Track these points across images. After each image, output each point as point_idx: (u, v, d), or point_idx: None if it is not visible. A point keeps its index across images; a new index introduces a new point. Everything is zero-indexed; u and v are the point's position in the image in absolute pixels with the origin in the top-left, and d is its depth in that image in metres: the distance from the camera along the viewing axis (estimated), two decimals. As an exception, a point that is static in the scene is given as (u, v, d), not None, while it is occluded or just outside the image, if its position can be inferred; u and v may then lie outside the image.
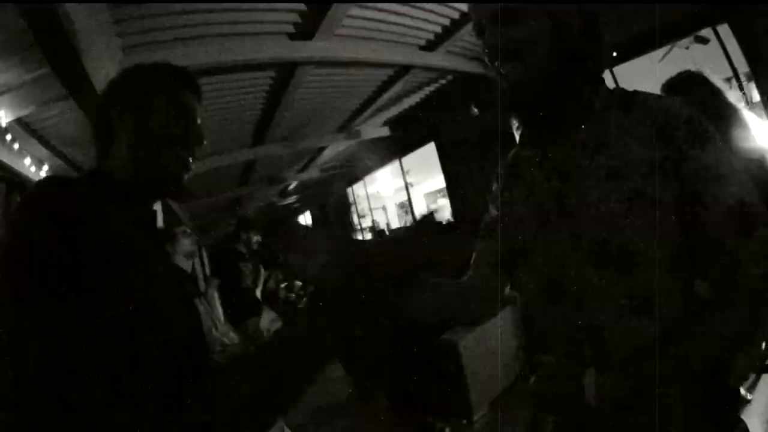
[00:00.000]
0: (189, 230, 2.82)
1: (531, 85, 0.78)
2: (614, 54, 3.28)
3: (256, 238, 3.80)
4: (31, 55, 2.22)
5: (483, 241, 1.01)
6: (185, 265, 2.76)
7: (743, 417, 0.81)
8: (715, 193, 0.70)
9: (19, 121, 2.69)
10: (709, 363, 0.74)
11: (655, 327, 0.75)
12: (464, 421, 3.08)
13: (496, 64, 0.80)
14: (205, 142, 0.91)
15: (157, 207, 0.94)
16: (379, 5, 2.88)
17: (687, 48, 4.62)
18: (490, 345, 3.40)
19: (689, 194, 0.71)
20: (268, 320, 3.83)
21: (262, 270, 3.88)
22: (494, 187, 1.02)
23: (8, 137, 2.67)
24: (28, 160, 2.91)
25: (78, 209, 0.66)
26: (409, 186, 7.47)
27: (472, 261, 1.03)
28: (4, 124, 2.47)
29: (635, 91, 0.82)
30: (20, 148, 2.82)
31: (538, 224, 0.86)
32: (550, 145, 0.85)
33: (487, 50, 0.81)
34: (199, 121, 0.90)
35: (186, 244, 2.77)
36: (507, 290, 1.03)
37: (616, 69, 3.44)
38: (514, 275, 0.94)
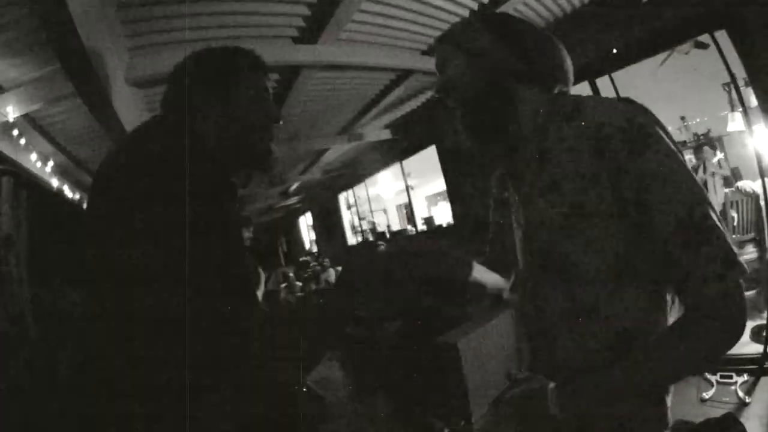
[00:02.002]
0: None
1: (468, 113, 0.88)
2: (614, 51, 3.31)
3: (247, 234, 3.69)
4: (41, 53, 2.27)
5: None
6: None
7: (742, 420, 0.84)
8: (660, 202, 0.67)
9: (26, 117, 2.72)
10: (652, 384, 0.76)
11: (600, 339, 0.76)
12: (463, 423, 3.10)
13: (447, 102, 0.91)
14: (282, 122, 0.94)
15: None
16: (382, 10, 2.91)
17: (687, 53, 4.64)
18: (489, 346, 3.43)
19: (634, 204, 0.69)
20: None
21: (262, 272, 3.84)
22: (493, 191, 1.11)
23: (15, 132, 2.71)
24: (34, 156, 2.95)
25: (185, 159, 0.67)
26: (410, 188, 7.49)
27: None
28: (11, 120, 2.51)
29: (580, 99, 0.82)
30: (27, 144, 2.86)
31: (513, 236, 0.95)
32: (508, 161, 0.91)
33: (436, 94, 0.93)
34: (271, 101, 0.93)
35: None
36: (506, 294, 1.07)
37: (615, 75, 3.46)
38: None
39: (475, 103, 0.86)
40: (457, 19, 3.28)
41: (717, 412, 1.56)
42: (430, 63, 3.73)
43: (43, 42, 2.03)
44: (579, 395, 0.73)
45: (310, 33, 2.98)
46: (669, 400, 0.84)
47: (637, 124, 0.71)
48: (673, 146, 0.71)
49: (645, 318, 0.75)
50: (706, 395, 2.60)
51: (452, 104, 0.90)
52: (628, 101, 0.78)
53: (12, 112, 2.49)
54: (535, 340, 0.91)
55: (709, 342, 0.67)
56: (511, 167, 0.90)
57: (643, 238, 0.70)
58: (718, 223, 0.66)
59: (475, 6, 3.08)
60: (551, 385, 0.75)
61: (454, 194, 5.67)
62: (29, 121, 2.88)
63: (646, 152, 0.68)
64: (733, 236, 3.79)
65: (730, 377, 2.71)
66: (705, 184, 5.01)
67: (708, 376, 2.78)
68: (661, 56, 4.89)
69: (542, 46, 0.84)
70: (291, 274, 8.76)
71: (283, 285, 8.48)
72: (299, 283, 8.33)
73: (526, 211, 0.85)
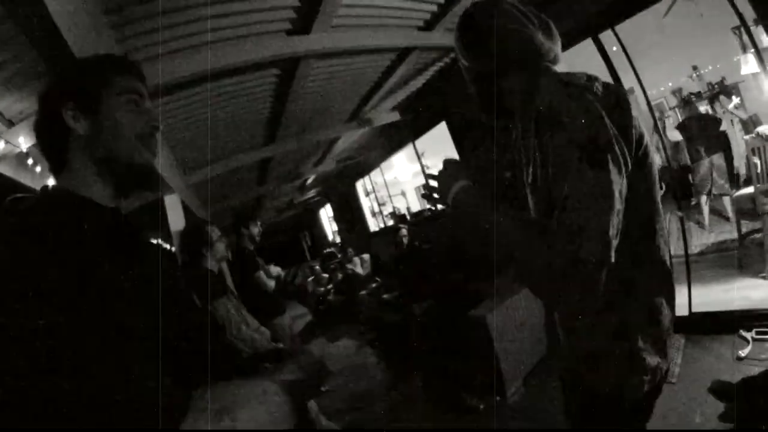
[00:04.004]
0: (221, 234, 2.90)
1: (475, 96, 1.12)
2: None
3: (257, 229, 3.69)
4: (44, 84, 2.31)
5: None
6: (213, 266, 2.85)
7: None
8: (555, 186, 0.83)
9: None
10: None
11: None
12: (498, 398, 3.10)
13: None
14: (161, 127, 0.88)
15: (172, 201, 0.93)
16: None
17: None
18: (519, 319, 3.40)
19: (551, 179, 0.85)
20: (289, 318, 3.87)
21: (272, 267, 3.79)
22: None
23: (30, 161, 2.80)
24: (51, 181, 3.05)
25: (40, 237, 0.64)
26: (425, 168, 7.42)
27: None
28: (25, 149, 2.59)
29: (545, 80, 0.98)
30: (42, 171, 2.95)
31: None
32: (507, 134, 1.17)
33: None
34: (149, 105, 0.87)
35: (221, 249, 2.87)
36: None
37: (618, 27, 3.29)
38: None
39: (476, 91, 1.10)
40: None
41: (754, 370, 1.52)
42: (428, 38, 3.66)
43: (44, 73, 2.06)
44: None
45: (303, 23, 2.94)
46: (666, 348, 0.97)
47: (560, 104, 0.86)
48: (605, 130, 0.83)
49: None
50: (743, 353, 2.53)
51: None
52: (576, 82, 0.93)
53: (24, 143, 2.57)
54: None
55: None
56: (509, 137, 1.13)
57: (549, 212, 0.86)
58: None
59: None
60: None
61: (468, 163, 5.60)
62: (40, 148, 2.96)
63: (556, 134, 0.84)
64: (758, 185, 3.61)
65: (767, 333, 2.61)
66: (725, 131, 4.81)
67: (743, 333, 2.69)
68: (665, 5, 4.67)
69: (507, 41, 0.98)
70: (317, 267, 8.88)
71: (310, 278, 8.62)
72: (326, 275, 8.44)
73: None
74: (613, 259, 0.78)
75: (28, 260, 0.61)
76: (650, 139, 0.96)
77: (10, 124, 2.59)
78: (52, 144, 0.82)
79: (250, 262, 3.53)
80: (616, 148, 0.81)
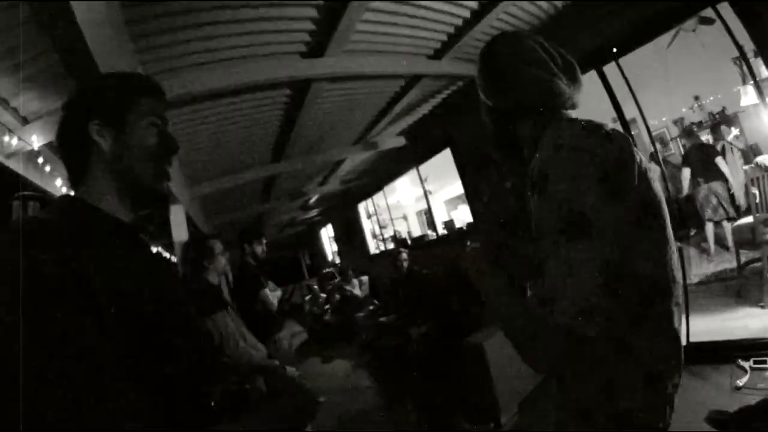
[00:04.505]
0: (223, 248, 2.92)
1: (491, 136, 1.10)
2: (614, 50, 3.26)
3: (260, 248, 3.64)
4: (62, 84, 2.39)
5: None
6: (214, 279, 2.87)
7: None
8: (537, 246, 0.85)
9: (49, 145, 2.86)
10: None
11: None
12: (492, 425, 3.07)
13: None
14: (180, 149, 0.90)
15: (177, 213, 0.95)
16: (385, 18, 2.96)
17: (693, 30, 4.50)
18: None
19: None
20: (289, 334, 3.84)
21: (270, 286, 3.70)
22: None
23: (40, 160, 2.86)
24: (59, 182, 3.10)
25: (56, 252, 0.65)
26: (428, 194, 7.49)
27: None
28: (36, 148, 2.64)
29: (556, 126, 0.93)
30: (51, 171, 3.00)
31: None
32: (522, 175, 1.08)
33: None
34: (171, 130, 0.90)
35: (222, 262, 2.89)
36: None
37: (622, 60, 3.39)
38: None
39: (490, 125, 1.07)
40: (459, 22, 3.33)
41: (752, 400, 1.51)
42: (437, 67, 3.77)
43: (63, 74, 2.13)
44: None
45: (317, 47, 3.05)
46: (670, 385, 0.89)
47: (547, 168, 0.85)
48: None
49: None
50: (740, 382, 2.51)
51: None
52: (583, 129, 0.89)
53: (36, 141, 2.62)
54: None
55: None
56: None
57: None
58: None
59: (475, 6, 3.09)
60: None
61: (472, 195, 5.65)
62: (53, 149, 3.02)
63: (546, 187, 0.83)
64: (757, 215, 3.65)
65: (765, 362, 2.61)
66: (724, 155, 4.86)
67: (741, 362, 2.68)
68: (668, 37, 4.77)
69: (526, 86, 0.95)
70: (315, 287, 8.85)
71: (308, 297, 8.58)
72: (323, 295, 8.40)
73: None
74: (593, 333, 0.77)
75: (37, 265, 0.61)
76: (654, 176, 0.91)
77: (25, 121, 2.65)
78: (74, 155, 0.84)
79: (253, 280, 3.48)
80: (604, 214, 0.77)
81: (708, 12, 3.19)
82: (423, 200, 7.83)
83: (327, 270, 10.09)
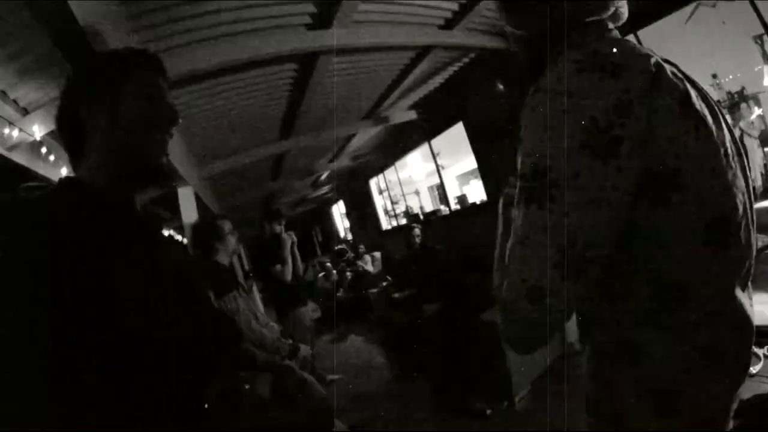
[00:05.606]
0: (233, 228, 2.91)
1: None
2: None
3: (279, 228, 3.86)
4: (59, 72, 2.33)
5: None
6: (224, 260, 2.86)
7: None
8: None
9: (52, 134, 2.82)
10: None
11: None
12: (505, 403, 3.06)
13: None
14: (180, 121, 0.87)
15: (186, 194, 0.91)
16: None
17: (713, 5, 4.29)
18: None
19: None
20: (310, 309, 3.91)
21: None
22: None
23: (43, 150, 2.83)
24: (64, 170, 3.08)
25: (53, 228, 0.65)
26: (440, 169, 7.37)
27: None
28: (38, 138, 2.61)
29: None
30: (56, 160, 2.98)
31: None
32: None
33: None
34: (169, 100, 0.87)
35: (232, 242, 2.87)
36: None
37: (641, 33, 3.22)
38: None
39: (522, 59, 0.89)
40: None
41: (766, 387, 1.46)
42: (448, 37, 3.61)
43: (60, 61, 2.07)
44: None
45: (323, 18, 2.93)
46: None
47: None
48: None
49: None
50: (754, 370, 2.48)
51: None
52: None
53: (38, 131, 2.59)
54: None
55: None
56: None
57: None
58: None
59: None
60: None
61: (485, 171, 5.54)
62: (56, 138, 2.98)
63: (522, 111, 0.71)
64: None
65: (779, 350, 2.54)
66: (742, 140, 4.68)
67: (755, 349, 2.62)
68: (687, 11, 4.54)
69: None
70: (327, 264, 8.88)
71: (321, 274, 8.63)
72: (335, 272, 8.44)
73: None
74: (543, 320, 0.62)
75: (38, 247, 0.61)
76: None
77: (25, 112, 2.61)
78: (71, 136, 0.83)
79: (268, 253, 3.77)
80: (583, 178, 0.60)
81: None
82: (435, 175, 7.71)
83: (339, 246, 10.11)
